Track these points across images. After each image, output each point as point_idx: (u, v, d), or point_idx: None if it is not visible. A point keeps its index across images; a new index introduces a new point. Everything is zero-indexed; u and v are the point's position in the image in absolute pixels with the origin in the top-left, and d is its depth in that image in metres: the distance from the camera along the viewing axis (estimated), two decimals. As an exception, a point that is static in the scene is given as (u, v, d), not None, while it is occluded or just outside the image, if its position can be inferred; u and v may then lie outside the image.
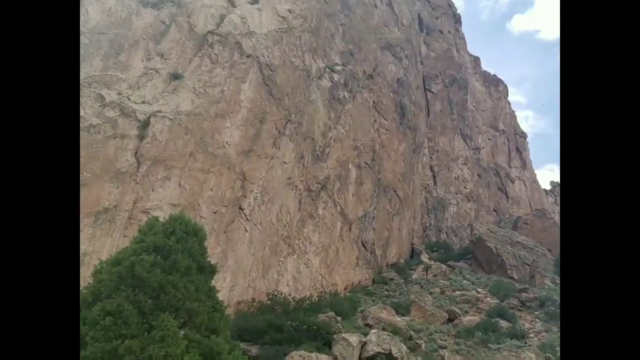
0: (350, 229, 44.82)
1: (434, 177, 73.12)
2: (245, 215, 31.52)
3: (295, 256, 36.55)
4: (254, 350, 24.67)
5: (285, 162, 36.49)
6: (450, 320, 38.92)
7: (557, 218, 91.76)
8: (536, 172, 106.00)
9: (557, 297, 45.58)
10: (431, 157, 74.15)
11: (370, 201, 49.06)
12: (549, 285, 53.50)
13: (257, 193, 32.71)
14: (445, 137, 77.39)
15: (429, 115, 76.29)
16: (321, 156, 41.47)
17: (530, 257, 57.54)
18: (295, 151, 37.94)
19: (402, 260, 56.36)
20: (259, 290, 31.88)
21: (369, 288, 46.36)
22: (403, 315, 37.12)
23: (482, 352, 30.61)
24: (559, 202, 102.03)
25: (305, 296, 35.78)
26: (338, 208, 42.91)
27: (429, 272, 53.12)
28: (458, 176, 76.25)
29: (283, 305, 31.63)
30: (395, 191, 55.44)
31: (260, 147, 33.73)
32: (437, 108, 78.12)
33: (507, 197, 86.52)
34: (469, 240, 65.08)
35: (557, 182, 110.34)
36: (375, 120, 53.04)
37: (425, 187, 70.67)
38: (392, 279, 50.06)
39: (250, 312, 29.75)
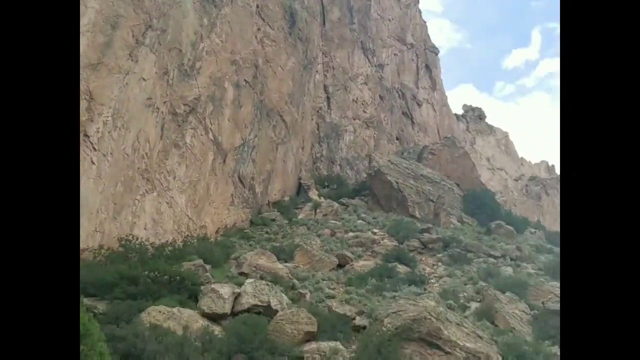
0: (224, 161, 44.95)
1: (328, 99, 74.38)
2: (92, 143, 30.50)
3: (155, 194, 36.17)
4: (101, 306, 24.53)
5: (144, 79, 35.29)
6: (340, 266, 40.67)
7: (468, 147, 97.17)
8: (448, 93, 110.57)
9: (463, 238, 49.22)
10: (325, 75, 75.01)
11: (250, 127, 49.17)
12: (455, 225, 57.42)
13: (107, 117, 31.54)
14: (343, 51, 78.17)
15: (324, 24, 76.35)
16: (190, 72, 40.54)
17: (435, 192, 61.02)
18: (158, 65, 36.78)
19: (286, 198, 57.79)
20: (109, 235, 31.33)
21: (246, 231, 47.24)
22: (285, 262, 38.34)
23: (376, 301, 32.17)
24: (471, 129, 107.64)
25: (167, 241, 35.67)
26: (210, 136, 42.66)
27: (317, 211, 54.99)
28: (357, 98, 77.96)
29: (139, 253, 31.24)
30: (281, 116, 55.94)
31: (112, 59, 32.29)
32: (334, 16, 78.24)
33: (413, 123, 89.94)
34: (366, 173, 67.64)
35: (471, 105, 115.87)
36: (258, 29, 52.51)
37: (318, 111, 72.02)
38: (274, 220, 51.36)
39: (97, 261, 29.32)
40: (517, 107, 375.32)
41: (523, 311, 32.19)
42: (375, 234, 48.98)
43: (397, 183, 59.85)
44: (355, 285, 35.73)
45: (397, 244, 46.22)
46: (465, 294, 35.43)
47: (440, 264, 43.24)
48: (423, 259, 44.63)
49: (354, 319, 29.45)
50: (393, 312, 26.65)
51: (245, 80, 48.59)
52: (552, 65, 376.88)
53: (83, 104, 30.25)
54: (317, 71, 71.78)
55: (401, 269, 39.98)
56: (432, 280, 39.04)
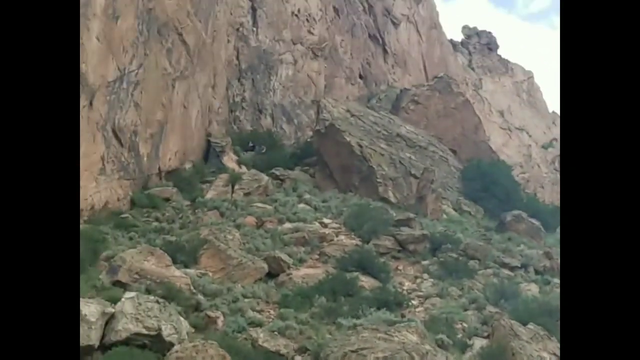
0: (90, 103, 44.33)
1: (254, 10, 74.25)
2: None
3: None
4: None
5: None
6: (272, 275, 40.84)
7: (471, 93, 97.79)
8: (442, 7, 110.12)
9: (462, 236, 49.81)
10: (250, -28, 74.29)
11: (132, 52, 48.55)
12: (450, 215, 58.28)
13: None
14: None
15: None
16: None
17: (420, 162, 61.76)
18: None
19: (188, 166, 57.59)
20: None
21: (124, 216, 46.53)
22: (186, 267, 38.32)
23: (326, 333, 32.09)
24: (476, 66, 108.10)
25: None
26: (67, 62, 42.05)
27: (236, 187, 54.88)
28: (298, 10, 77.97)
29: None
30: (180, 35, 55.47)
31: None
32: None
33: (386, 52, 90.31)
34: (312, 130, 68.44)
35: (476, 28, 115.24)
36: None
37: (238, 30, 72.03)
38: (167, 200, 50.80)
39: None
40: (552, 32, 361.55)
41: (554, 354, 32.10)
42: (325, 225, 49.25)
43: (360, 147, 60.16)
44: (294, 307, 35.59)
45: (360, 243, 46.50)
46: (464, 324, 35.66)
47: (426, 275, 43.61)
48: (400, 267, 44.97)
49: (292, 358, 29.47)
50: (352, 351, 26.55)
51: (124, -25, 47.94)
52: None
53: None
54: (237, -35, 71.22)
55: (366, 282, 40.27)
56: (413, 302, 39.27)
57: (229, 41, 69.41)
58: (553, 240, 56.39)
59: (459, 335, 34.22)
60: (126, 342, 26.92)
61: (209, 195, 53.29)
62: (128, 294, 29.99)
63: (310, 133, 69.06)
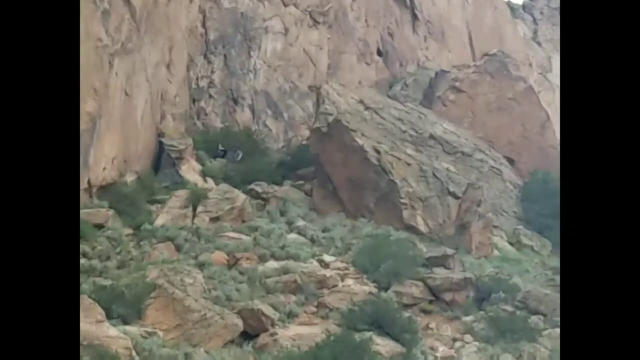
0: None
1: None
2: None
3: None
4: None
5: None
6: (249, 335, 41.15)
7: (537, 77, 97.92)
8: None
9: (522, 281, 49.71)
10: None
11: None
12: (503, 250, 58.54)
13: None
14: None
15: None
16: None
17: (463, 176, 61.75)
18: None
19: (130, 178, 57.38)
20: None
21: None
22: (126, 323, 38.58)
23: None
24: (541, 39, 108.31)
25: None
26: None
27: (200, 209, 54.99)
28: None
29: None
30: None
31: None
32: None
33: (416, 18, 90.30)
34: (309, 128, 68.88)
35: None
36: None
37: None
38: (101, 227, 50.66)
39: None
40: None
41: None
42: (327, 265, 49.41)
43: (377, 152, 60.20)
44: None
45: (376, 291, 46.60)
46: None
47: (469, 337, 43.85)
48: (432, 324, 45.30)
49: None
50: None
51: None
52: None
53: None
54: None
55: (383, 345, 40.58)
56: None
57: (191, 0, 69.44)
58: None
59: None
60: None
61: (159, 221, 53.00)
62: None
63: (307, 133, 69.22)
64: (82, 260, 46.41)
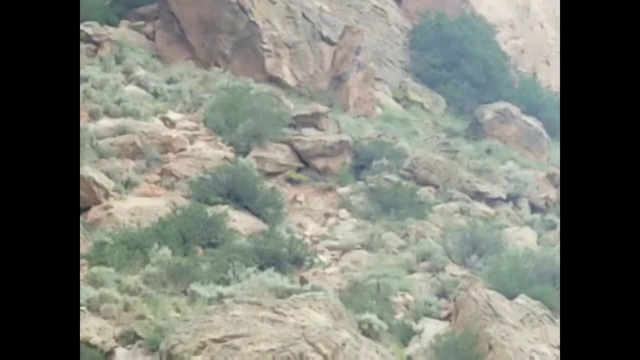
0: None
1: None
2: None
3: None
4: None
5: None
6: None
7: None
8: None
9: (407, 143, 48.72)
10: None
11: None
12: (388, 108, 57.10)
13: None
14: None
15: None
16: None
17: (338, 17, 60.68)
18: None
19: None
20: None
21: None
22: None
23: (171, 310, 32.76)
24: None
25: None
26: None
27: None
28: None
29: None
30: None
31: None
32: None
33: None
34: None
35: None
36: None
37: None
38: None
39: None
40: None
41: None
42: (173, 124, 48.11)
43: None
44: (115, 264, 35.22)
45: (232, 155, 45.86)
46: (409, 296, 35.84)
47: (345, 212, 42.85)
48: (301, 197, 44.99)
49: (110, 352, 30.15)
50: (216, 341, 27.02)
51: None
52: None
53: None
54: None
55: (241, 222, 40.49)
56: (322, 257, 39.31)
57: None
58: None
59: (399, 316, 34.62)
60: None
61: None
62: None
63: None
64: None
